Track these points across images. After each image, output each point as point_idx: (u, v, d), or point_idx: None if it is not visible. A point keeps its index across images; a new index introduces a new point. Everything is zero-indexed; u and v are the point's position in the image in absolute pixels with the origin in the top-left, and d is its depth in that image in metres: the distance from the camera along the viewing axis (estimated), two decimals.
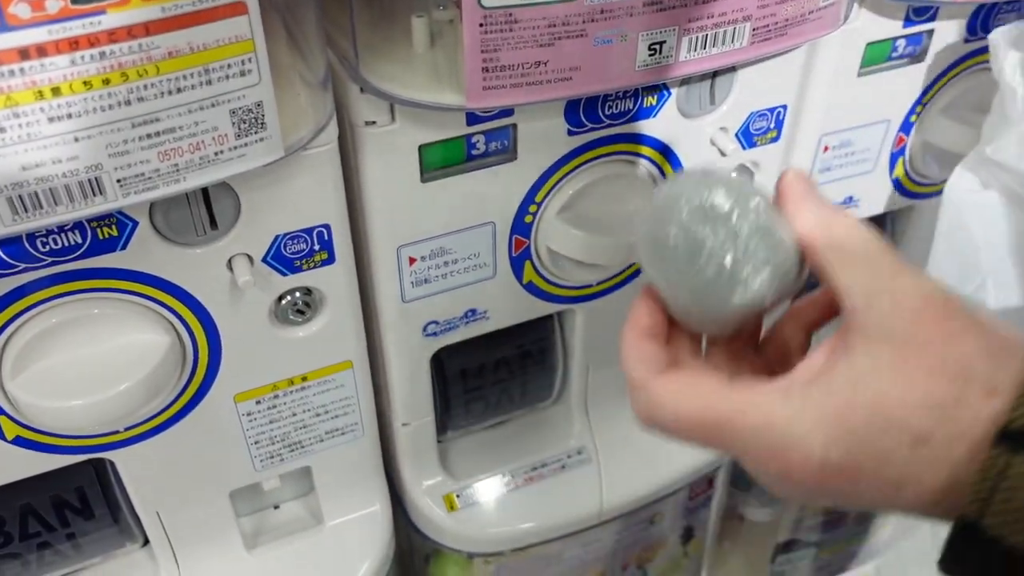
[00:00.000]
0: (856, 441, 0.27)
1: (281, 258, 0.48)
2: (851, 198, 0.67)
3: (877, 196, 0.68)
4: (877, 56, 0.59)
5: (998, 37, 0.53)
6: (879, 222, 0.73)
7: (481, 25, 0.39)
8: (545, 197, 0.54)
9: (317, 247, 0.49)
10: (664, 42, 0.43)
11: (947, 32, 0.60)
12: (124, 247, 0.43)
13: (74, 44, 0.31)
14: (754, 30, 0.45)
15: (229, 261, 0.46)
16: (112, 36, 0.32)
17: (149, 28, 0.32)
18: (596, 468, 0.68)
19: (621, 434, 0.69)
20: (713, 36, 0.44)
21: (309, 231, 0.48)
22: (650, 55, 0.43)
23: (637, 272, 0.62)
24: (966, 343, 0.27)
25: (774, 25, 0.46)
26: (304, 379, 0.54)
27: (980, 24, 0.61)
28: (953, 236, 0.58)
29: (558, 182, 0.53)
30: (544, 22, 0.40)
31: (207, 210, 0.44)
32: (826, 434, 0.27)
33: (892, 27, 0.58)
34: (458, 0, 0.46)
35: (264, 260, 0.48)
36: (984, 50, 0.62)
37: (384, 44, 0.46)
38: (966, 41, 0.61)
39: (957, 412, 0.26)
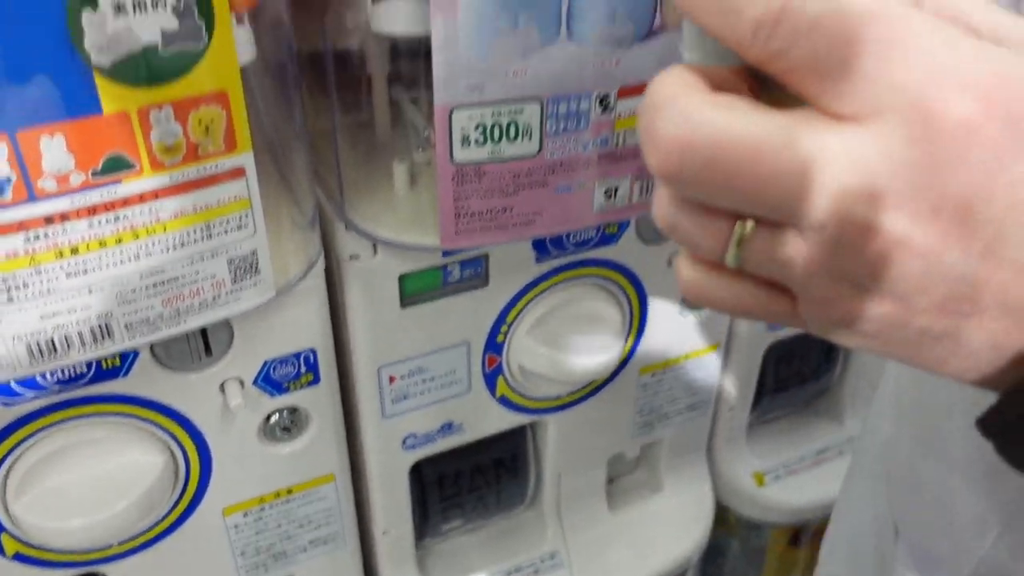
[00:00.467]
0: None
1: (270, 381, 0.52)
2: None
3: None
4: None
5: None
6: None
7: (453, 178, 0.44)
8: (516, 318, 0.58)
9: (304, 370, 0.52)
10: (618, 188, 0.48)
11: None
12: (126, 374, 0.47)
13: (92, 211, 0.36)
14: None
15: (222, 385, 0.50)
16: (126, 202, 0.36)
17: (159, 194, 0.37)
18: (568, 572, 0.70)
19: (593, 539, 0.72)
20: None
21: (297, 355, 0.52)
22: (606, 199, 0.48)
23: (604, 384, 0.66)
24: None
25: None
26: (289, 492, 0.57)
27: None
28: None
29: (527, 304, 0.58)
30: (509, 174, 0.45)
31: (203, 340, 0.48)
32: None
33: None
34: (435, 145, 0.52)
35: (254, 383, 0.51)
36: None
37: (368, 184, 0.51)
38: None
39: None
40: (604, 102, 0.44)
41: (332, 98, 0.47)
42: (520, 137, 0.44)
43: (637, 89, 0.45)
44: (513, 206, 0.46)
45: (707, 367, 0.71)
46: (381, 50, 0.49)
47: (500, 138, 0.44)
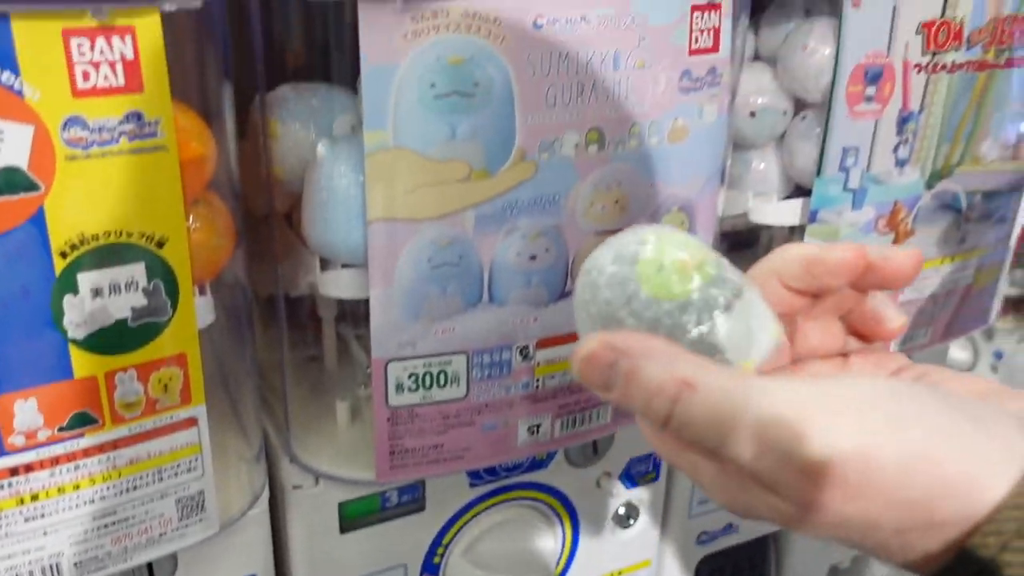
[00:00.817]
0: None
1: None
2: (730, 524, 0.76)
3: (752, 521, 0.76)
4: None
5: None
6: (763, 542, 0.81)
7: (388, 419, 0.49)
8: (451, 540, 0.61)
9: None
10: (540, 424, 0.53)
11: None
12: None
13: (55, 461, 0.40)
14: (615, 409, 0.56)
15: None
16: (87, 453, 0.40)
17: (117, 444, 0.41)
18: None
19: None
20: (581, 417, 0.54)
21: None
22: (529, 435, 0.53)
23: None
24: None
25: None
26: None
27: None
28: None
29: (462, 527, 0.61)
30: (439, 415, 0.50)
31: (148, 570, 0.50)
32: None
33: None
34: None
35: None
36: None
37: (313, 418, 0.56)
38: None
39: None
40: (524, 352, 0.50)
41: (283, 341, 0.53)
42: (449, 384, 0.49)
43: (554, 340, 0.51)
44: (444, 443, 0.51)
45: None
46: (330, 301, 0.55)
47: (431, 385, 0.49)
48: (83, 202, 0.36)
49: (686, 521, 0.73)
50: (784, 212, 0.62)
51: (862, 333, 0.33)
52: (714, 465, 0.28)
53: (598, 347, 0.27)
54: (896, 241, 0.62)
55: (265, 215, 0.49)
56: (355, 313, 0.61)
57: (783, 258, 0.31)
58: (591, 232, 0.49)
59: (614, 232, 0.50)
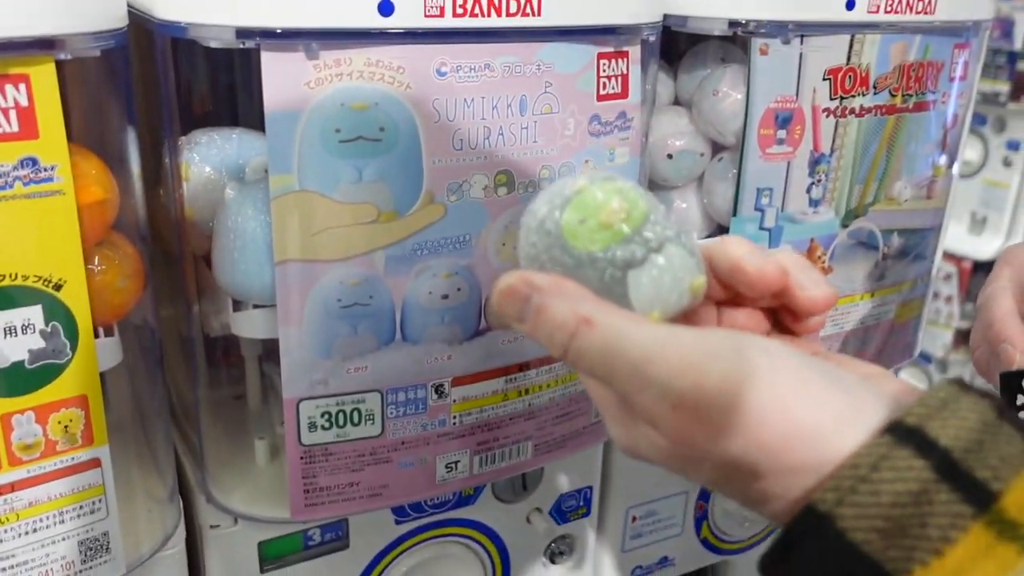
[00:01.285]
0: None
1: None
2: (666, 558, 0.76)
3: (689, 554, 0.77)
4: None
5: None
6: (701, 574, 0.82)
7: (301, 458, 0.49)
8: None
9: None
10: (459, 461, 0.53)
11: None
12: None
13: None
14: (535, 445, 0.56)
15: None
16: None
17: (15, 486, 0.41)
18: None
19: None
20: (500, 453, 0.55)
21: None
22: (447, 472, 0.53)
23: None
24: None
25: (552, 440, 0.57)
26: None
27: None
28: None
29: (388, 564, 0.61)
30: (354, 452, 0.50)
31: None
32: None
33: None
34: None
35: None
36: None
37: (231, 457, 0.56)
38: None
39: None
40: (439, 390, 0.51)
41: (198, 381, 0.53)
42: (363, 422, 0.49)
43: (470, 378, 0.51)
44: (360, 481, 0.51)
45: None
46: (253, 340, 0.56)
47: (344, 423, 0.49)
48: None
49: (619, 555, 0.73)
50: None
51: (785, 326, 0.34)
52: (612, 396, 0.30)
53: (516, 282, 0.29)
54: None
55: (179, 256, 0.50)
56: (277, 352, 0.61)
57: (720, 250, 0.32)
58: (503, 271, 0.50)
59: None
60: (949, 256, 1.60)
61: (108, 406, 0.44)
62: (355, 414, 0.49)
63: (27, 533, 0.42)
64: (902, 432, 0.25)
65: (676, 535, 0.75)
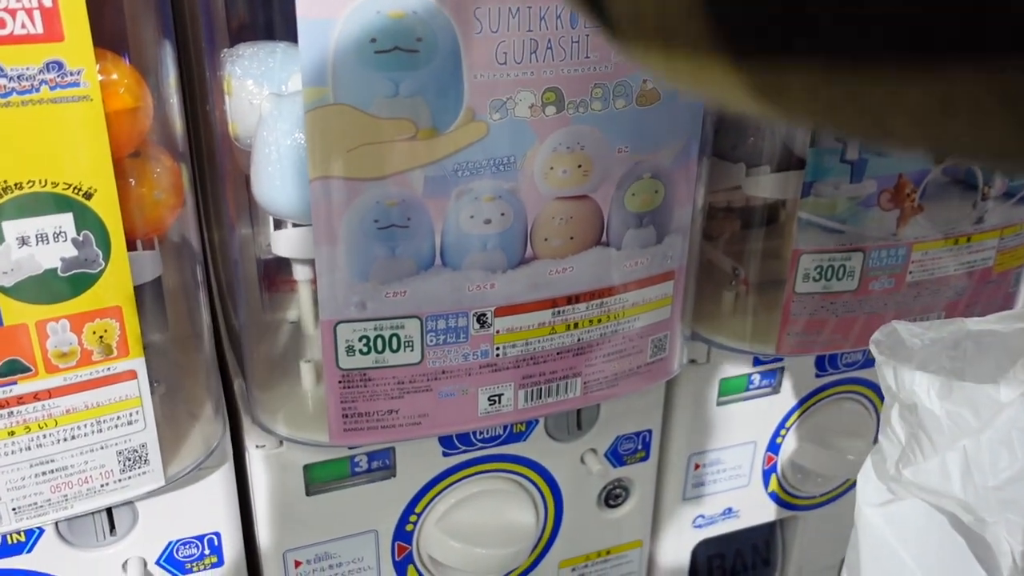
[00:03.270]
0: None
1: (173, 561, 0.54)
2: (730, 509, 0.73)
3: (755, 507, 0.74)
4: (734, 388, 0.68)
5: (882, 353, 0.46)
6: (770, 528, 0.79)
7: (340, 382, 0.48)
8: (424, 508, 0.60)
9: (207, 552, 0.55)
10: (502, 395, 0.52)
11: (798, 370, 0.69)
12: (30, 550, 0.50)
13: None
14: (585, 383, 0.54)
15: (124, 563, 0.53)
16: (20, 400, 0.41)
17: (52, 393, 0.42)
18: None
19: None
20: (547, 389, 0.53)
21: (201, 537, 0.54)
22: (490, 405, 0.52)
23: (525, 573, 0.67)
24: None
25: (604, 379, 0.54)
26: None
27: (827, 361, 0.70)
28: (878, 552, 0.55)
29: (436, 496, 0.60)
30: (393, 379, 0.49)
31: (108, 518, 0.51)
32: None
33: (743, 366, 0.67)
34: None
35: (157, 562, 0.54)
36: (838, 383, 0.71)
37: (276, 380, 0.56)
38: (817, 376, 0.70)
39: None
40: (482, 319, 0.49)
41: (241, 302, 0.53)
42: (402, 348, 0.48)
43: (514, 308, 0.49)
44: (399, 408, 0.50)
45: (631, 563, 0.72)
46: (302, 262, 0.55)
47: (383, 349, 0.48)
48: (4, 150, 0.37)
49: (680, 503, 0.71)
50: (775, 185, 0.59)
51: None
52: None
53: None
54: (902, 219, 0.58)
55: (221, 175, 0.49)
56: None
57: None
58: (551, 197, 0.47)
59: (576, 198, 0.48)
60: None
61: (148, 320, 0.44)
62: (394, 340, 0.48)
63: (65, 440, 0.43)
64: None
65: (743, 486, 0.72)
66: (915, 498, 0.43)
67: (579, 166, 0.47)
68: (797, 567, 0.80)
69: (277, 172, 0.44)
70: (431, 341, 0.48)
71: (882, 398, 0.74)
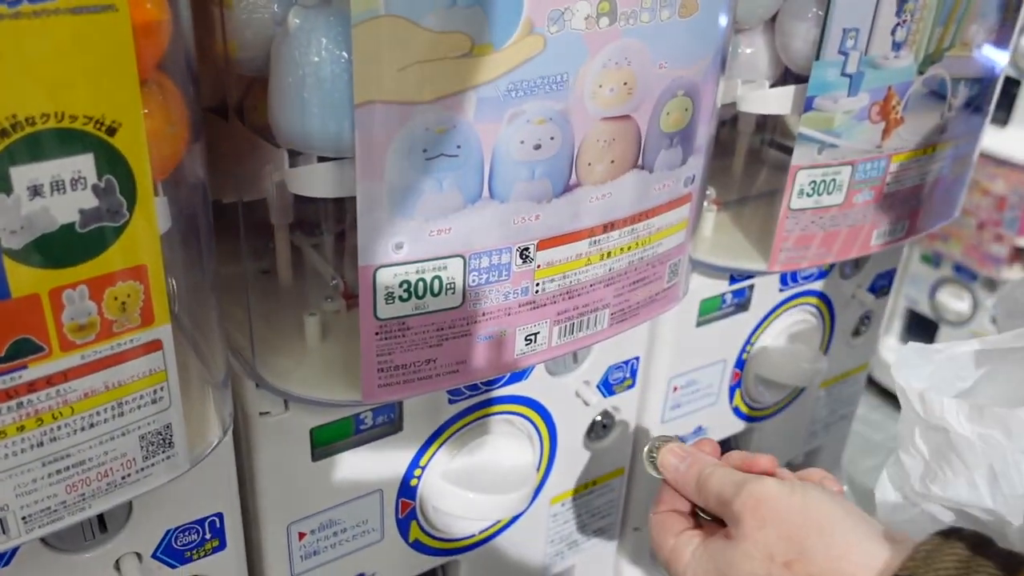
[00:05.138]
0: None
1: (171, 551, 0.48)
2: (700, 427, 0.74)
3: (722, 423, 0.76)
4: (710, 309, 0.68)
5: (904, 373, 0.46)
6: (724, 444, 0.81)
7: (376, 333, 0.43)
8: (429, 460, 0.57)
9: (208, 536, 0.49)
10: (538, 333, 0.48)
11: (765, 285, 0.70)
12: (8, 562, 0.42)
13: None
14: (611, 314, 0.52)
15: (117, 562, 0.46)
16: (32, 387, 0.33)
17: (68, 375, 0.34)
18: None
19: None
20: (578, 323, 0.50)
21: (201, 522, 0.48)
22: (526, 344, 0.48)
23: (516, 518, 0.65)
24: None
25: (628, 308, 0.52)
26: None
27: (790, 276, 0.71)
28: None
29: (441, 445, 0.57)
30: (433, 327, 0.45)
31: (98, 515, 0.44)
32: None
33: (720, 285, 0.67)
34: (345, 293, 0.51)
35: (154, 555, 0.47)
36: (796, 296, 0.73)
37: (278, 339, 0.50)
38: (780, 291, 0.72)
39: None
40: (524, 254, 0.45)
41: (244, 253, 0.46)
42: (443, 291, 0.44)
43: (555, 240, 0.46)
44: (437, 358, 0.46)
45: (613, 490, 0.71)
46: (286, 201, 0.49)
47: (424, 293, 0.43)
48: (14, 75, 0.29)
49: (659, 427, 0.71)
50: (775, 100, 0.58)
51: None
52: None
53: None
54: (886, 131, 0.59)
55: (213, 107, 0.42)
56: (310, 220, 0.54)
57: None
58: (597, 118, 0.44)
59: (620, 118, 0.45)
60: (1012, 166, 1.47)
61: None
62: (435, 283, 0.43)
63: (83, 429, 0.36)
64: None
65: (712, 404, 0.73)
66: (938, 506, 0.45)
67: (624, 83, 0.44)
68: None
69: (313, 98, 0.38)
70: (473, 281, 0.44)
71: (831, 308, 0.77)
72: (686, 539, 0.44)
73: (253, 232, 0.50)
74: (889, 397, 1.63)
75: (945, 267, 1.70)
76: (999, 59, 0.64)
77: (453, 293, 0.44)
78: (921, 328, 1.79)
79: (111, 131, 0.31)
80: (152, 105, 0.35)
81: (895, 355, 0.46)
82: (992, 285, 1.64)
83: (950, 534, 0.36)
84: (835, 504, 0.39)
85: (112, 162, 0.32)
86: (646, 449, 0.48)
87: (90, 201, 0.32)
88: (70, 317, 0.33)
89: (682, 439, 0.50)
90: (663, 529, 0.45)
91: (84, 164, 0.31)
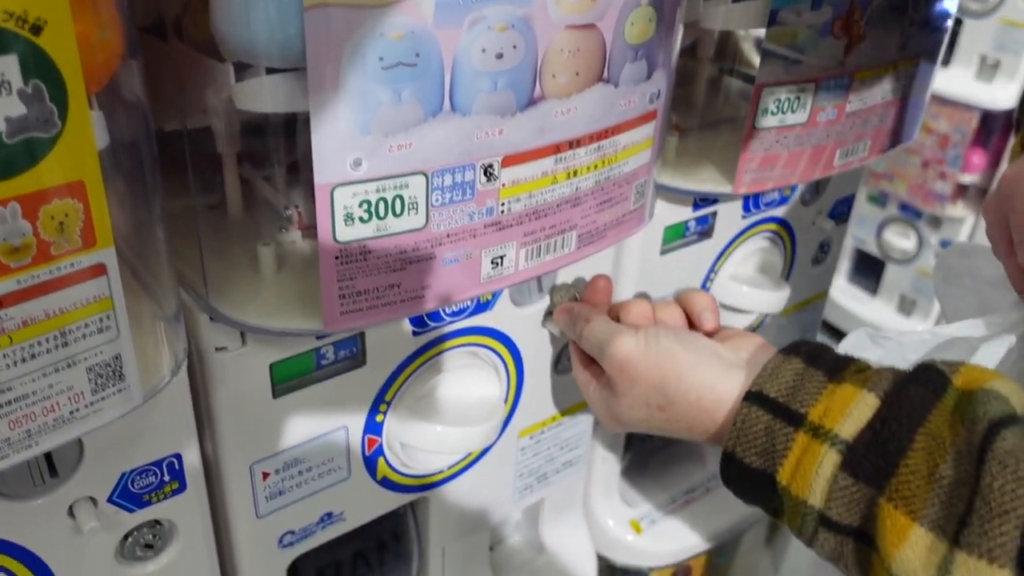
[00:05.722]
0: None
1: (128, 495, 0.46)
2: None
3: None
4: (674, 236, 0.67)
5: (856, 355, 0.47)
6: None
7: (336, 257, 0.41)
8: (394, 395, 0.55)
9: (167, 478, 0.47)
10: (504, 255, 0.47)
11: (728, 212, 0.69)
12: None
13: None
14: (579, 236, 0.50)
15: (71, 507, 0.44)
16: None
17: (3, 302, 0.32)
18: None
19: None
20: (546, 246, 0.49)
21: (159, 463, 0.46)
22: (492, 268, 0.47)
23: (484, 452, 0.64)
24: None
25: (595, 230, 0.51)
26: None
27: (752, 202, 0.71)
28: None
29: (406, 380, 0.55)
30: (396, 250, 0.43)
31: (46, 458, 0.42)
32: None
33: (684, 212, 0.66)
34: (300, 224, 0.48)
35: (110, 500, 0.45)
36: (758, 223, 0.72)
37: (231, 272, 0.47)
38: (743, 217, 0.71)
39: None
40: (488, 172, 0.43)
41: (190, 182, 0.43)
42: (406, 211, 0.42)
43: (520, 157, 0.44)
44: (400, 282, 0.44)
45: (581, 423, 0.71)
46: (233, 128, 0.46)
47: (385, 213, 0.41)
48: None
49: None
50: (738, 15, 0.57)
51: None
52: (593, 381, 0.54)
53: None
54: (849, 46, 0.58)
55: (149, 26, 0.39)
56: (259, 153, 0.51)
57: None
58: (561, 25, 0.42)
59: (585, 27, 0.43)
60: (955, 104, 1.48)
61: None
62: (397, 202, 0.41)
63: (24, 360, 0.33)
64: (751, 396, 0.43)
65: None
66: None
67: None
68: None
69: (260, 2, 0.35)
70: (436, 201, 0.42)
71: (792, 235, 0.77)
72: (590, 374, 0.54)
73: (200, 167, 0.48)
74: (838, 336, 1.66)
75: (891, 207, 1.73)
76: None
77: (416, 213, 0.42)
78: (868, 267, 1.82)
79: (36, 29, 0.29)
80: (79, 5, 0.32)
81: (850, 339, 0.49)
82: (937, 223, 1.67)
83: (791, 350, 0.44)
84: (687, 351, 0.48)
85: (40, 65, 0.29)
86: (544, 312, 0.57)
87: (17, 108, 0.29)
88: (2, 237, 0.31)
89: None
90: (577, 362, 0.56)
91: (8, 66, 0.28)
